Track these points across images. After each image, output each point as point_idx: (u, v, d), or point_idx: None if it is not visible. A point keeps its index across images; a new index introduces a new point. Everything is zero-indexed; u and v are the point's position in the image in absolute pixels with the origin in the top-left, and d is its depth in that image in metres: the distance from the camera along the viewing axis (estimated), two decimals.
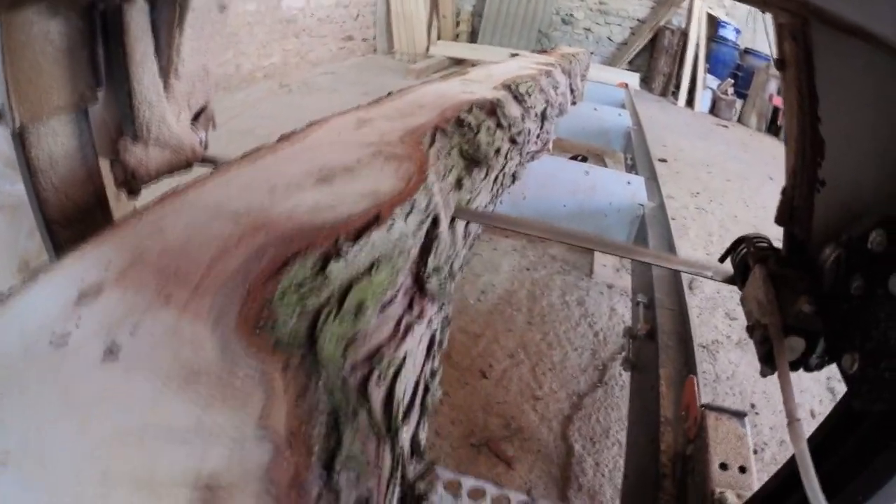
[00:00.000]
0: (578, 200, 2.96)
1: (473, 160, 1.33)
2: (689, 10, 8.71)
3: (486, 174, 1.40)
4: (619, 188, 2.96)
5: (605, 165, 4.86)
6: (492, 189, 1.51)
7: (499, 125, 1.56)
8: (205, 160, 1.65)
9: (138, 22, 1.34)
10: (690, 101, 8.51)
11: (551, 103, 2.29)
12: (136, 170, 1.47)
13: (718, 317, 3.08)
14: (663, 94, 8.93)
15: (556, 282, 3.12)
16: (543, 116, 2.11)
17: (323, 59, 7.82)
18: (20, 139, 1.26)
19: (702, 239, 3.98)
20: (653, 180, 3.31)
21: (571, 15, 9.69)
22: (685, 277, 2.25)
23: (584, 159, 4.08)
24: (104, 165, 1.47)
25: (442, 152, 1.23)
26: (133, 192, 1.51)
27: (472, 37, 9.73)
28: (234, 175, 0.99)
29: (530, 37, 9.46)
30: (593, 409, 2.34)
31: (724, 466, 1.14)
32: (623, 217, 2.96)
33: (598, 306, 2.96)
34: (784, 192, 1.10)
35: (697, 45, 8.57)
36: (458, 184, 1.23)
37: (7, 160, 1.52)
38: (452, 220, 1.14)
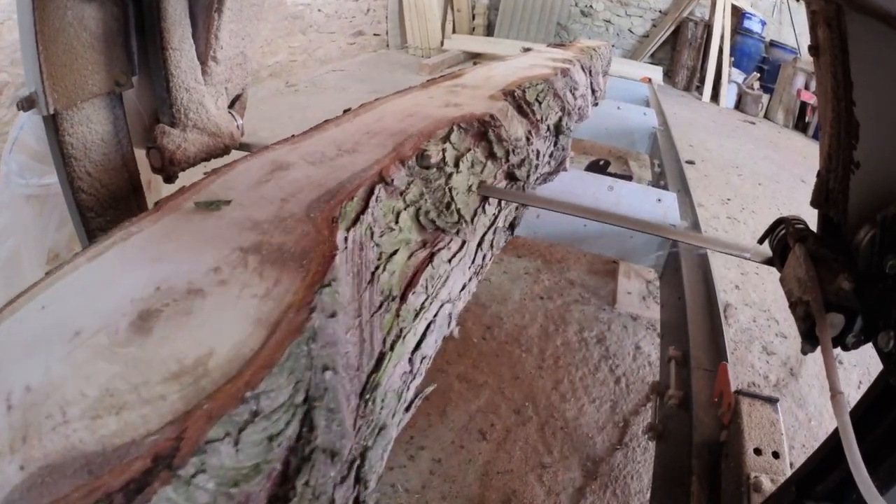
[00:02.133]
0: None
1: (439, 230, 0.86)
2: (713, 1, 8.11)
3: (463, 246, 0.92)
4: (647, 206, 2.45)
5: (629, 169, 4.34)
6: (471, 264, 1.03)
7: (490, 155, 1.08)
8: (242, 146, 1.64)
9: (175, 6, 1.32)
10: (715, 96, 7.91)
11: (568, 110, 1.79)
12: (175, 155, 1.45)
13: (755, 352, 2.58)
14: (687, 88, 8.34)
15: (574, 314, 2.61)
16: (558, 130, 1.62)
17: (332, 56, 7.31)
18: (53, 126, 1.23)
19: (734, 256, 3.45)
20: (685, 194, 2.80)
21: (591, 6, 9.09)
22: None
23: (607, 164, 3.56)
24: (138, 154, 1.45)
25: (378, 226, 0.77)
26: (170, 178, 1.49)
27: (489, 30, 9.13)
28: None
29: (548, 30, 8.88)
30: (610, 479, 1.87)
31: (758, 452, 1.13)
32: (652, 239, 2.46)
33: (620, 344, 2.46)
34: (819, 175, 1.09)
35: (722, 38, 7.97)
36: (411, 283, 0.78)
37: (34, 153, 1.52)
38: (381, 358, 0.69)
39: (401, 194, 0.85)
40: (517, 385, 2.17)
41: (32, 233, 1.68)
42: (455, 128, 1.04)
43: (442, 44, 8.16)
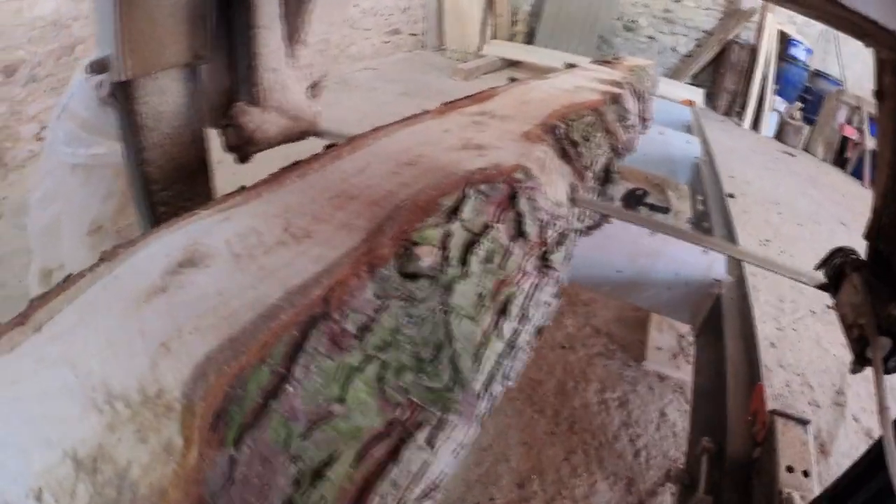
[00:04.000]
0: (638, 267, 2.08)
1: (417, 405, 0.51)
2: (760, 25, 7.65)
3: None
4: (690, 256, 2.09)
5: (667, 200, 3.94)
6: (468, 431, 0.64)
7: (519, 234, 0.72)
8: (320, 133, 1.59)
9: None
10: (756, 124, 7.47)
11: (619, 149, 1.43)
12: (254, 135, 1.42)
13: None
14: (727, 113, 7.88)
15: (597, 369, 2.25)
16: (607, 176, 1.26)
17: (365, 53, 6.93)
18: (125, 93, 1.17)
19: (771, 306, 3.06)
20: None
21: (634, 21, 8.64)
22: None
23: (645, 194, 3.19)
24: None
25: (303, 414, 0.48)
26: (245, 157, 1.46)
27: (529, 38, 8.68)
28: None
29: (590, 42, 8.45)
30: None
31: (789, 469, 1.12)
32: (691, 293, 2.10)
33: (644, 409, 2.10)
34: (874, 210, 1.10)
35: (767, 64, 7.52)
36: None
37: (82, 122, 1.43)
38: None
39: (356, 338, 0.51)
40: (525, 453, 1.83)
41: (76, 202, 1.62)
42: (470, 193, 0.69)
43: (480, 48, 7.77)
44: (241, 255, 0.59)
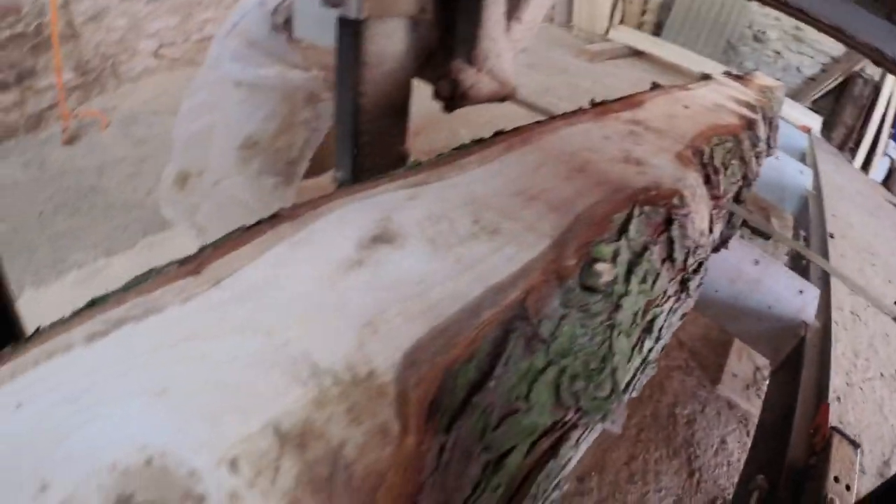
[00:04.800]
0: (735, 291, 2.07)
1: (581, 410, 0.55)
2: None
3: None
4: (787, 294, 2.06)
5: (770, 226, 3.83)
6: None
7: (668, 258, 0.75)
8: (517, 100, 1.76)
9: None
10: (866, 165, 7.13)
11: (749, 179, 1.42)
12: (468, 91, 1.58)
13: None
14: (841, 147, 7.51)
15: (673, 382, 2.25)
16: (735, 204, 1.27)
17: None
18: (354, 30, 1.29)
19: (847, 359, 2.96)
20: (826, 292, 2.35)
21: (764, 32, 8.24)
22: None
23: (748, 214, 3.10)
24: None
25: (497, 408, 0.50)
26: (451, 108, 1.63)
27: (657, 29, 8.40)
28: None
29: (717, 45, 8.14)
30: None
31: (836, 479, 1.23)
32: (778, 329, 2.07)
33: (707, 433, 2.10)
34: None
35: (888, 104, 7.12)
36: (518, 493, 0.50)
37: (250, 42, 1.55)
38: None
39: (545, 342, 0.55)
40: (592, 450, 1.86)
41: (232, 116, 1.72)
42: (636, 213, 0.72)
43: (607, 31, 7.58)
44: (437, 242, 0.61)
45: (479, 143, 0.84)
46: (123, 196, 2.77)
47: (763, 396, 2.05)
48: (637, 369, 0.68)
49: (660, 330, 0.75)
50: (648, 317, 0.70)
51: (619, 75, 6.44)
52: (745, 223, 2.98)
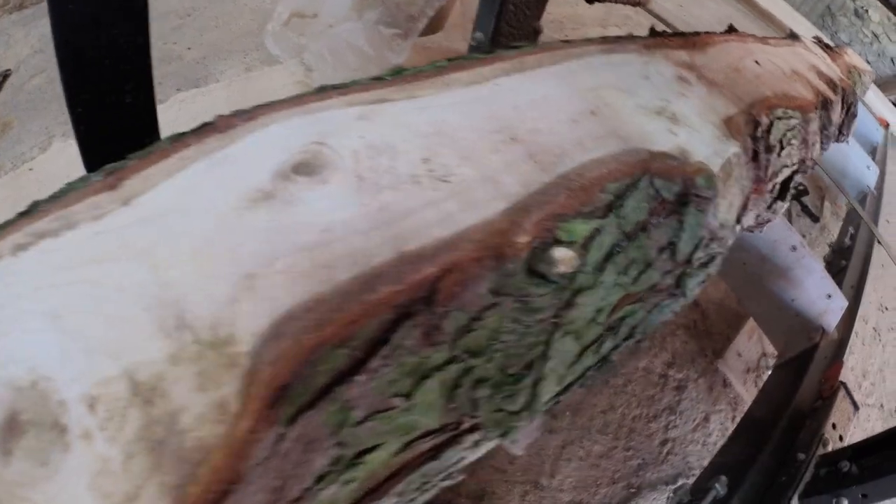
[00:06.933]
0: (763, 271, 1.92)
1: (477, 423, 0.43)
2: None
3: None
4: (814, 293, 1.89)
5: (821, 209, 3.54)
6: None
7: (669, 245, 0.59)
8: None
9: None
10: None
11: (805, 166, 1.22)
12: None
13: None
14: None
15: (676, 341, 2.10)
16: (781, 194, 1.08)
17: None
18: None
19: (853, 377, 2.79)
20: (853, 307, 2.14)
21: (867, 11, 7.57)
22: None
23: (805, 192, 2.86)
24: None
25: (364, 403, 0.39)
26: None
27: None
28: None
29: (816, 7, 7.52)
30: None
31: (833, 426, 1.39)
32: (795, 326, 1.92)
33: (693, 405, 1.98)
34: None
35: None
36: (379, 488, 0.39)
37: None
38: None
39: (453, 340, 0.41)
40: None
41: None
42: (642, 185, 0.55)
43: None
44: (365, 181, 0.47)
45: (479, 58, 0.66)
46: (166, 48, 2.64)
47: (760, 388, 1.91)
48: (590, 367, 0.54)
49: (632, 328, 0.59)
50: (619, 314, 0.55)
51: (707, 6, 5.96)
52: (799, 195, 2.75)
